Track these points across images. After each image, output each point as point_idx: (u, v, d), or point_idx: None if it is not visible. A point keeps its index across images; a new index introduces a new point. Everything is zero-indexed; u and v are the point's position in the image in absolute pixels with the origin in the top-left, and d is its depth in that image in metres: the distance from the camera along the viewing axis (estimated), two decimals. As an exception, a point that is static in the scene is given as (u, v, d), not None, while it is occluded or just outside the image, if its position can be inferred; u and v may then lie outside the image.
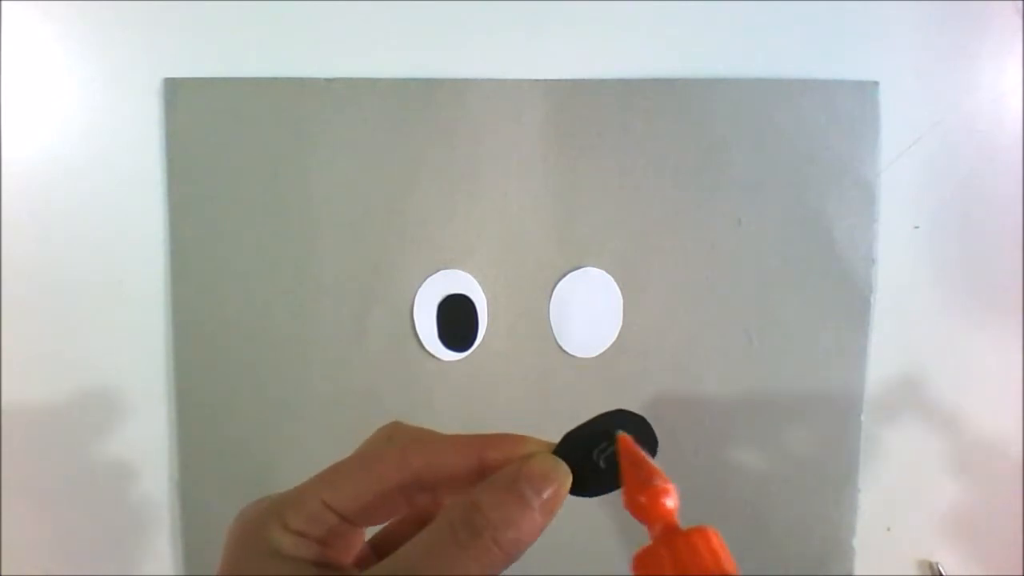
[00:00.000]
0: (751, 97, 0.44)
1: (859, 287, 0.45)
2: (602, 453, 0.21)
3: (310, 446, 0.45)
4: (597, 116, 0.44)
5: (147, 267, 0.44)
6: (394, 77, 0.43)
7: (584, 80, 0.44)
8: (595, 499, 0.21)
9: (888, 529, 0.47)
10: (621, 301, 0.45)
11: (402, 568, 0.20)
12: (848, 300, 0.45)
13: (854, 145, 0.44)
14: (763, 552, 0.46)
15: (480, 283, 0.44)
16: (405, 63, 0.44)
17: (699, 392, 0.45)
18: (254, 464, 0.45)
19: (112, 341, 0.44)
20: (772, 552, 0.46)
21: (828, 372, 0.45)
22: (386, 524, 0.25)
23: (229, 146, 0.43)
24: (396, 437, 0.23)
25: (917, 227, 0.46)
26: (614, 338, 0.45)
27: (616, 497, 0.21)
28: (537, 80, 0.44)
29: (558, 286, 0.45)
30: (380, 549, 0.24)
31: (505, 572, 0.20)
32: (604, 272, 0.45)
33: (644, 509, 0.19)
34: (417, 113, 0.43)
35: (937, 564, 0.47)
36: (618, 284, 0.45)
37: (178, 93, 0.43)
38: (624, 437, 0.21)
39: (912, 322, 0.46)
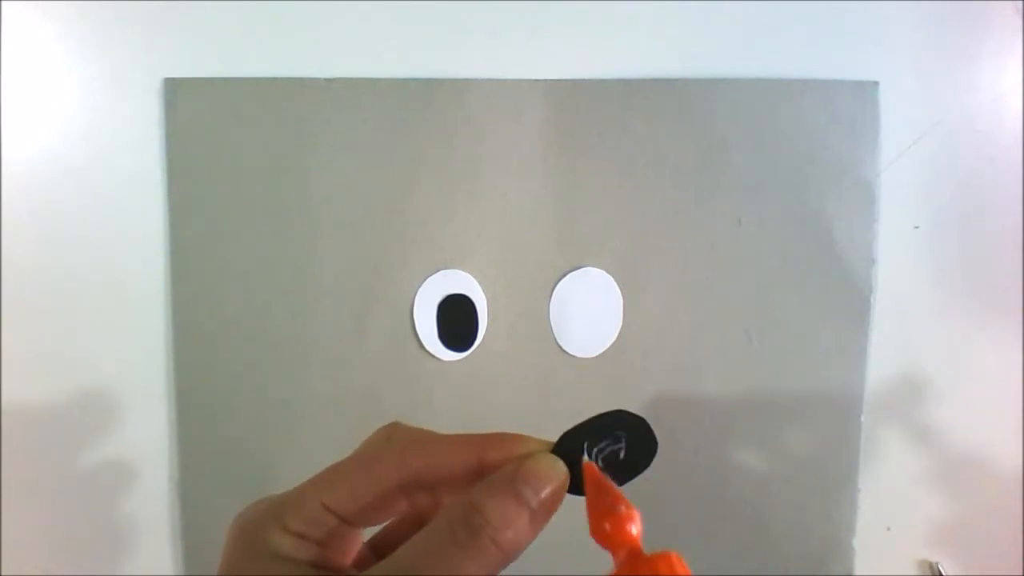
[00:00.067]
0: (751, 97, 0.44)
1: (859, 287, 0.45)
2: (600, 452, 0.21)
3: (310, 446, 0.45)
4: (597, 116, 0.44)
5: (147, 267, 0.44)
6: (394, 77, 0.43)
7: (584, 80, 0.44)
8: None
9: (888, 529, 0.47)
10: (621, 301, 0.45)
11: (401, 568, 0.20)
12: (848, 300, 0.45)
13: (854, 145, 0.44)
14: (763, 552, 0.46)
15: (480, 283, 0.44)
16: (405, 63, 0.44)
17: (699, 392, 0.45)
18: (254, 464, 0.45)
19: (112, 341, 0.44)
20: (772, 552, 0.46)
21: (828, 372, 0.45)
22: (385, 525, 0.25)
23: (229, 146, 0.43)
24: (395, 437, 0.23)
25: (917, 227, 0.46)
26: (614, 338, 0.45)
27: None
28: (537, 80, 0.44)
29: (558, 286, 0.45)
30: (379, 550, 0.24)
31: (503, 572, 0.20)
32: (604, 272, 0.45)
33: (608, 536, 0.19)
34: (417, 113, 0.43)
35: (937, 564, 0.47)
36: (618, 284, 0.45)
37: (178, 93, 0.43)
38: (589, 464, 0.21)
39: (912, 322, 0.46)
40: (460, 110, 0.44)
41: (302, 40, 0.43)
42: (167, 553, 0.46)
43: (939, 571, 0.47)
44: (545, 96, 0.44)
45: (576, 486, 0.21)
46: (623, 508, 0.20)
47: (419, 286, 0.44)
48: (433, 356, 0.45)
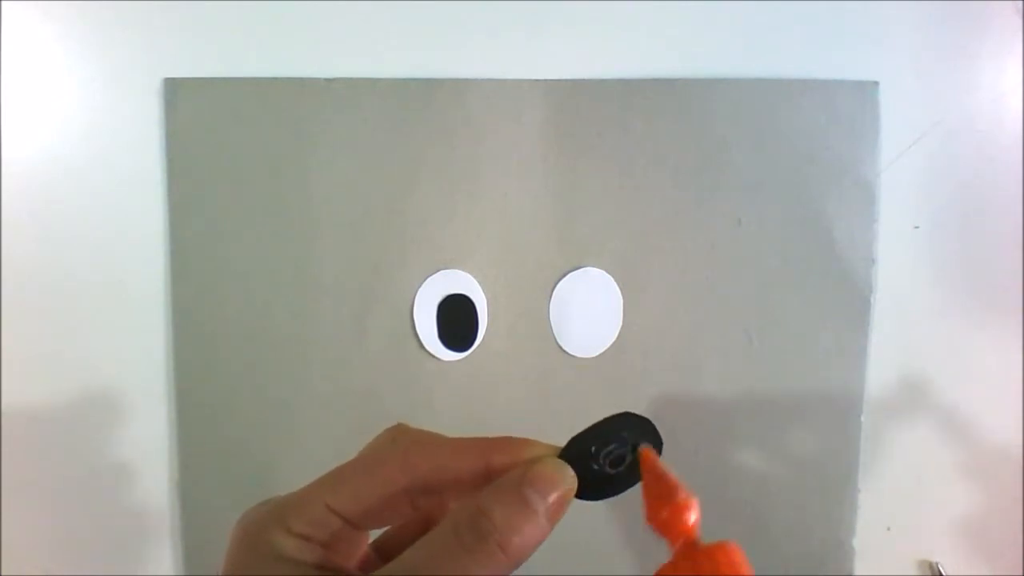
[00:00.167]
0: (751, 97, 0.44)
1: (859, 287, 0.45)
2: (608, 457, 0.21)
3: (310, 446, 0.45)
4: (597, 116, 0.44)
5: (147, 267, 0.44)
6: (394, 77, 0.43)
7: (584, 80, 0.44)
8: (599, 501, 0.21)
9: (888, 529, 0.47)
10: (621, 301, 0.45)
11: (406, 572, 0.19)
12: (848, 300, 0.45)
13: (854, 145, 0.44)
14: (763, 552, 0.46)
15: (480, 283, 0.44)
16: (405, 63, 0.44)
17: (699, 392, 0.45)
18: (254, 464, 0.45)
19: (112, 341, 0.44)
20: (772, 552, 0.46)
21: (828, 372, 0.45)
22: (389, 527, 0.25)
23: (229, 146, 0.43)
24: (400, 440, 0.23)
25: (917, 227, 0.46)
26: (614, 338, 0.45)
27: (620, 498, 0.21)
28: (537, 80, 0.44)
29: (558, 286, 0.45)
30: (384, 552, 0.24)
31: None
32: (604, 272, 0.45)
33: (666, 524, 0.19)
34: (417, 113, 0.43)
35: (937, 564, 0.47)
36: (618, 284, 0.45)
37: (178, 93, 0.43)
38: (647, 450, 0.21)
39: (912, 322, 0.46)
40: (460, 110, 0.44)
41: (302, 40, 0.43)
42: (167, 553, 0.46)
43: (939, 571, 0.47)
44: (545, 96, 0.44)
45: (584, 491, 0.21)
46: (682, 496, 0.19)
47: (419, 286, 0.44)
48: (433, 356, 0.45)
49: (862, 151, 0.44)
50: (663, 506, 0.19)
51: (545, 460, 0.21)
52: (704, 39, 0.44)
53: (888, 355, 0.46)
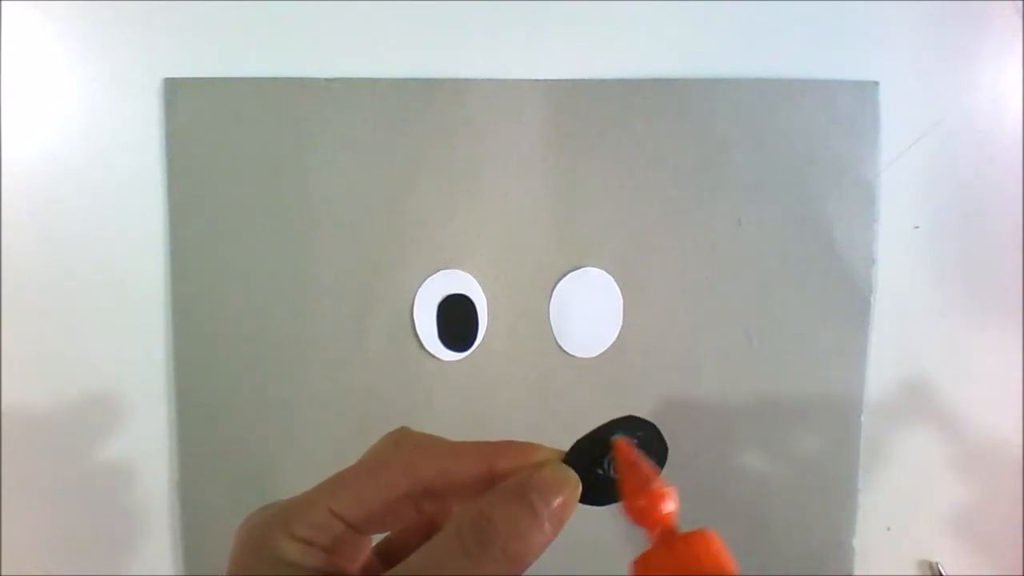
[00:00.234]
0: (751, 97, 0.44)
1: (859, 287, 0.45)
2: (612, 461, 0.21)
3: (310, 446, 0.45)
4: (597, 116, 0.44)
5: (147, 267, 0.44)
6: (394, 77, 0.43)
7: (584, 80, 0.44)
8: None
9: (888, 529, 0.47)
10: (621, 301, 0.45)
11: None
12: (848, 300, 0.45)
13: (854, 145, 0.44)
14: (763, 552, 0.46)
15: (480, 283, 0.44)
16: (405, 63, 0.44)
17: (699, 392, 0.45)
18: (254, 464, 0.45)
19: (112, 341, 0.44)
20: (772, 552, 0.46)
21: (828, 372, 0.45)
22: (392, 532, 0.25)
23: (229, 146, 0.43)
24: (403, 444, 0.23)
25: (917, 227, 0.46)
26: (614, 338, 0.45)
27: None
28: (537, 80, 0.44)
29: (558, 286, 0.45)
30: (386, 557, 0.24)
31: None
32: (604, 272, 0.45)
33: (643, 513, 0.19)
34: (417, 113, 0.43)
35: (937, 564, 0.47)
36: (618, 284, 0.45)
37: (178, 93, 0.43)
38: (621, 441, 0.21)
39: (912, 322, 0.46)
40: (460, 110, 0.44)
41: (302, 40, 0.43)
42: (167, 553, 0.46)
43: (939, 571, 0.47)
44: (545, 96, 0.44)
45: (588, 495, 0.21)
46: (657, 485, 0.19)
47: (419, 286, 0.44)
48: (433, 356, 0.45)
49: (862, 151, 0.44)
50: (639, 495, 0.19)
51: (549, 465, 0.21)
52: (704, 39, 0.44)
53: (888, 355, 0.46)
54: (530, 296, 0.45)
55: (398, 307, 0.44)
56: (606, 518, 0.44)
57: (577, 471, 0.21)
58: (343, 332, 0.44)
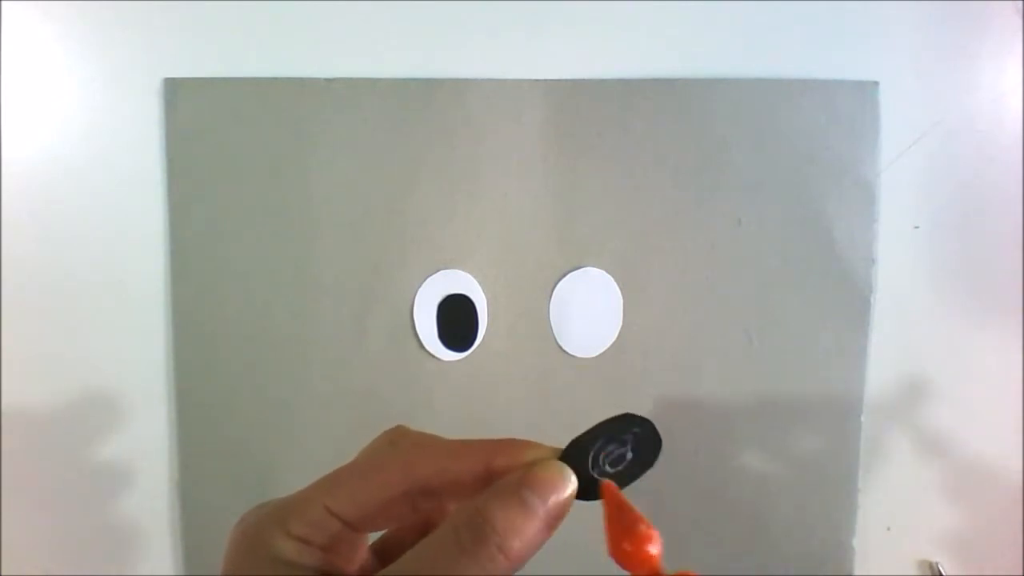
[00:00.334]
0: (751, 97, 0.44)
1: (859, 287, 0.45)
2: (608, 458, 0.21)
3: (310, 446, 0.45)
4: (597, 116, 0.44)
5: (147, 267, 0.44)
6: (394, 77, 0.43)
7: (584, 80, 0.44)
8: (599, 502, 0.21)
9: (888, 529, 0.47)
10: (621, 301, 0.45)
11: (406, 575, 0.19)
12: (848, 300, 0.45)
13: (854, 145, 0.44)
14: (763, 552, 0.46)
15: (480, 283, 0.44)
16: (405, 63, 0.44)
17: (699, 392, 0.45)
18: (254, 464, 0.45)
19: (112, 341, 0.44)
20: (772, 552, 0.46)
21: (828, 372, 0.45)
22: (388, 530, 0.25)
23: (229, 146, 0.43)
24: (399, 442, 0.23)
25: (917, 227, 0.46)
26: (614, 338, 0.45)
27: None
28: (537, 80, 0.44)
29: (558, 286, 0.45)
30: (383, 555, 0.24)
31: None
32: (604, 272, 0.45)
33: (628, 556, 0.19)
34: (417, 113, 0.43)
35: (937, 564, 0.47)
36: (618, 284, 0.45)
37: (178, 93, 0.43)
38: (608, 483, 0.21)
39: (912, 322, 0.46)
40: (460, 110, 0.44)
41: (302, 40, 0.43)
42: (167, 553, 0.46)
43: (939, 571, 0.47)
44: (545, 96, 0.44)
45: (584, 492, 0.21)
46: (643, 527, 0.19)
47: (419, 286, 0.44)
48: (433, 356, 0.45)
49: (862, 151, 0.44)
50: (624, 538, 0.19)
51: (545, 462, 0.21)
52: (704, 39, 0.44)
53: (888, 355, 0.46)
54: (530, 296, 0.45)
55: (398, 307, 0.44)
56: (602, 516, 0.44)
57: (573, 468, 0.21)
58: (343, 332, 0.44)
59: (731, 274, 0.45)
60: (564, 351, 0.45)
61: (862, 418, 0.46)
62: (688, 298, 0.45)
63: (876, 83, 0.44)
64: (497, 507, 0.20)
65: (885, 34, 0.45)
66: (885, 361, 0.46)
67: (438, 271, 0.44)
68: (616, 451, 0.21)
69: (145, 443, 0.45)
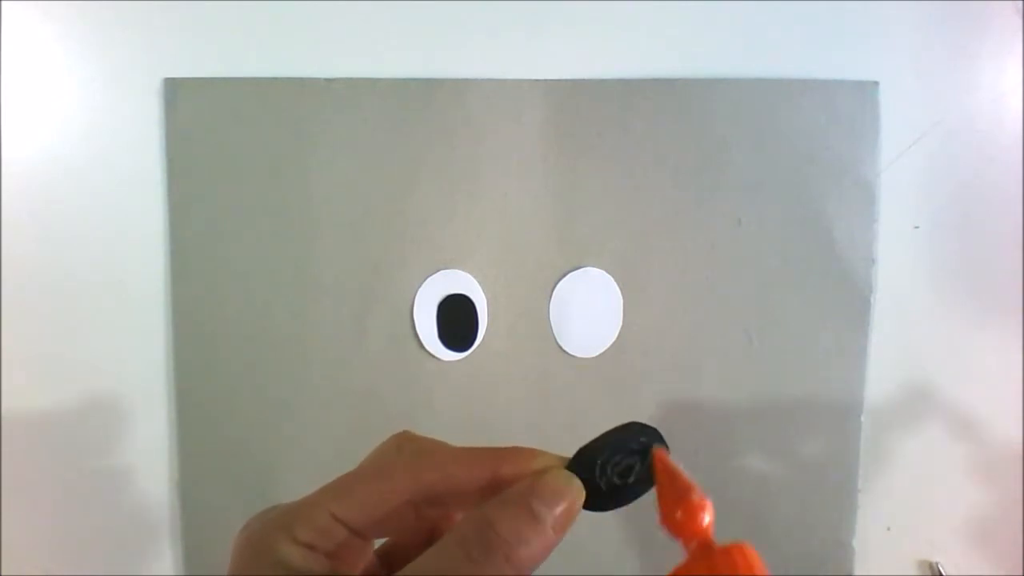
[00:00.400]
0: (751, 97, 0.44)
1: (859, 287, 0.45)
2: (615, 467, 0.21)
3: (310, 446, 0.45)
4: (597, 116, 0.44)
5: (147, 267, 0.44)
6: (394, 77, 0.43)
7: (584, 80, 0.44)
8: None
9: (888, 529, 0.47)
10: (621, 301, 0.45)
11: None
12: (848, 300, 0.45)
13: (854, 145, 0.44)
14: (763, 552, 0.46)
15: (480, 283, 0.44)
16: (405, 63, 0.44)
17: (699, 392, 0.45)
18: (254, 464, 0.45)
19: (112, 341, 0.44)
20: (772, 552, 0.46)
21: (828, 372, 0.45)
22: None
23: (229, 146, 0.43)
24: (405, 448, 0.23)
25: (917, 227, 0.46)
26: (614, 338, 0.45)
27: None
28: (537, 80, 0.44)
29: (558, 286, 0.45)
30: (388, 562, 0.24)
31: None
32: (604, 272, 0.45)
33: (680, 525, 0.19)
34: (417, 113, 0.43)
35: (937, 564, 0.47)
36: (618, 284, 0.45)
37: (178, 93, 0.43)
38: (659, 451, 0.21)
39: (912, 322, 0.46)
40: (460, 110, 0.44)
41: (302, 40, 0.43)
42: (167, 553, 0.46)
43: (939, 571, 0.47)
44: (545, 96, 0.44)
45: (591, 502, 0.21)
46: (695, 497, 0.19)
47: (419, 286, 0.44)
48: (433, 356, 0.45)
49: (862, 151, 0.44)
50: (677, 507, 0.19)
51: (553, 472, 0.21)
52: (704, 39, 0.44)
53: (888, 355, 0.46)
54: (530, 296, 0.45)
55: (398, 307, 0.44)
56: (609, 521, 0.44)
57: (580, 477, 0.21)
58: (343, 332, 0.44)
59: (731, 274, 0.45)
60: (564, 351, 0.45)
61: (862, 418, 0.46)
62: (688, 298, 0.45)
63: (876, 83, 0.44)
64: (505, 516, 0.20)
65: (885, 34, 0.45)
66: (885, 361, 0.46)
67: (438, 271, 0.44)
68: (624, 461, 0.21)
69: (145, 443, 0.45)
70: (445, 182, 0.44)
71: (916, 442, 0.47)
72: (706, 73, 0.44)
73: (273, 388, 0.44)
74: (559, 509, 0.20)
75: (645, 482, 0.21)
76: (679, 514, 0.19)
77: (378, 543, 0.24)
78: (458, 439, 0.23)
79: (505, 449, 0.22)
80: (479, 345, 0.45)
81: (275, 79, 0.43)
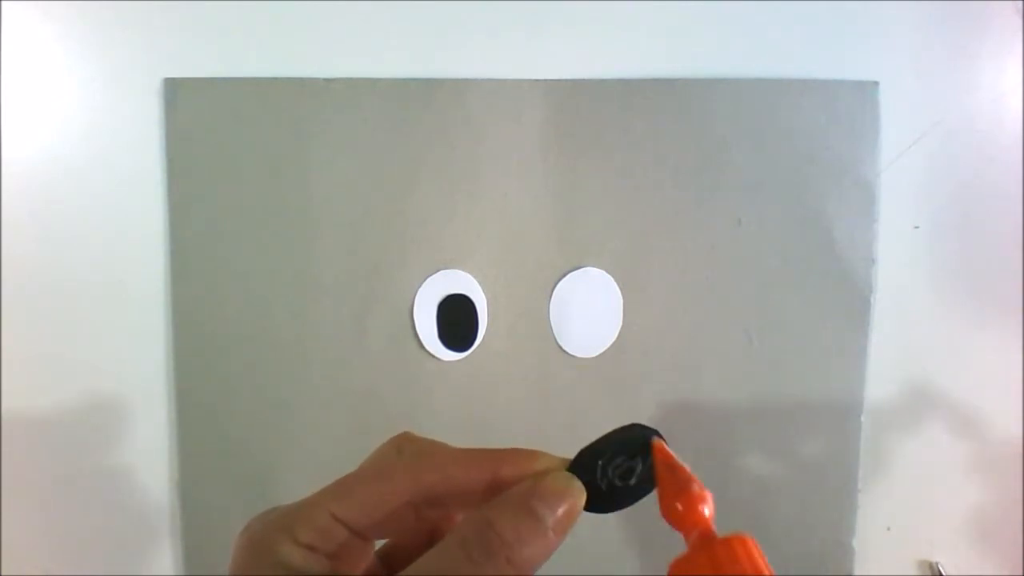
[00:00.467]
0: (751, 97, 0.44)
1: (859, 287, 0.45)
2: (617, 469, 0.21)
3: (310, 446, 0.45)
4: (597, 116, 0.44)
5: (147, 267, 0.44)
6: (394, 77, 0.43)
7: (584, 80, 0.44)
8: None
9: (888, 529, 0.47)
10: (621, 301, 0.45)
11: None
12: (848, 300, 0.45)
13: (854, 145, 0.44)
14: (763, 552, 0.46)
15: (480, 283, 0.44)
16: (405, 63, 0.44)
17: (699, 392, 0.45)
18: (254, 464, 0.45)
19: (112, 341, 0.44)
20: (772, 552, 0.46)
21: (828, 372, 0.45)
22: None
23: (229, 146, 0.43)
24: (406, 449, 0.23)
25: (917, 227, 0.46)
26: (614, 338, 0.45)
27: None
28: (537, 80, 0.44)
29: (558, 286, 0.45)
30: (388, 562, 0.24)
31: None
32: (604, 272, 0.45)
33: (681, 516, 0.19)
34: (417, 113, 0.43)
35: (937, 564, 0.47)
36: (618, 284, 0.45)
37: (178, 93, 0.43)
38: (659, 443, 0.21)
39: (912, 322, 0.46)
40: (460, 110, 0.44)
41: (302, 40, 0.43)
42: (167, 553, 0.46)
43: (939, 571, 0.47)
44: (545, 96, 0.44)
45: (592, 504, 0.21)
46: (696, 488, 0.19)
47: (419, 286, 0.44)
48: (433, 356, 0.45)
49: (862, 151, 0.44)
50: (677, 498, 0.19)
51: (555, 473, 0.21)
52: (704, 39, 0.44)
53: (888, 355, 0.46)
54: (530, 296, 0.45)
55: (398, 307, 0.44)
56: (611, 520, 0.44)
57: (582, 479, 0.21)
58: (343, 332, 0.44)
59: (731, 274, 0.45)
60: (564, 351, 0.45)
61: (862, 418, 0.46)
62: (688, 298, 0.45)
63: (876, 83, 0.44)
64: (506, 518, 0.20)
65: (885, 34, 0.45)
66: (885, 361, 0.46)
67: (438, 271, 0.44)
68: (625, 463, 0.21)
69: (145, 443, 0.45)
70: (445, 182, 0.44)
71: (916, 442, 0.47)
72: (706, 73, 0.44)
73: (273, 388, 0.44)
74: (560, 511, 0.20)
75: (646, 484, 0.21)
76: (680, 505, 0.19)
77: (379, 544, 0.24)
78: (458, 439, 0.23)
79: (506, 450, 0.22)
80: (479, 345, 0.45)
81: (275, 79, 0.43)
